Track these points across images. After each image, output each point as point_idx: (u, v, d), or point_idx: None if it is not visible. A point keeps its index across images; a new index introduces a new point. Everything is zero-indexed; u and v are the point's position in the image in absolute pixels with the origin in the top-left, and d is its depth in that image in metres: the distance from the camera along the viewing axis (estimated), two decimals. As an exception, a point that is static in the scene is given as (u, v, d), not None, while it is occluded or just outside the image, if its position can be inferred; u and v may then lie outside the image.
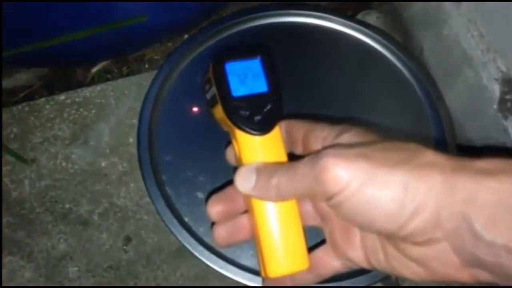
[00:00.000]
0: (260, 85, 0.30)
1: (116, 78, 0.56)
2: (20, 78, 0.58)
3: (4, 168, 0.48)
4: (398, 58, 0.53)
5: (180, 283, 0.45)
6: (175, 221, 0.44)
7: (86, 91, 0.52)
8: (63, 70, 0.59)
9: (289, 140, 0.31)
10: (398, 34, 0.57)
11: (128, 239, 0.46)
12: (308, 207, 0.30)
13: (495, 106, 0.45)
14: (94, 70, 0.59)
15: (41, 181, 0.48)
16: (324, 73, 0.52)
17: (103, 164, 0.49)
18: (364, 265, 0.27)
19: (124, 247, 0.46)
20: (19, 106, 0.51)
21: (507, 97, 0.44)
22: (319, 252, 0.29)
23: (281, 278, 0.29)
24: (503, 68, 0.44)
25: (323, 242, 0.30)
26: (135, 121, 0.50)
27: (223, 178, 0.46)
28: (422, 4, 0.53)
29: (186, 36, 0.58)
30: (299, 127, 0.30)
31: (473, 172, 0.22)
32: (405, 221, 0.22)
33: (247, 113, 0.29)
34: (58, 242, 0.46)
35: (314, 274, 0.29)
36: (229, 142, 0.32)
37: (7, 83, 0.58)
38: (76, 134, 0.50)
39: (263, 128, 0.29)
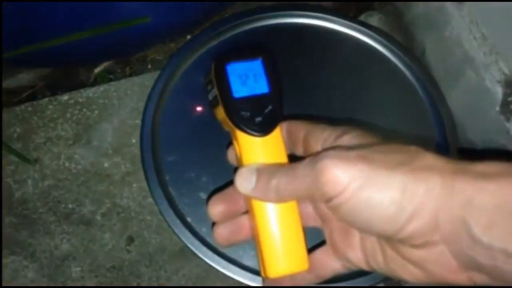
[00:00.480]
0: (261, 86, 0.30)
1: (118, 78, 0.56)
2: (23, 78, 0.59)
3: (7, 168, 0.48)
4: (400, 59, 0.53)
5: (183, 283, 0.45)
6: (178, 222, 0.44)
7: (89, 92, 0.52)
8: (66, 71, 0.59)
9: (290, 141, 0.31)
10: (400, 35, 0.57)
11: (131, 239, 0.46)
12: (309, 208, 0.30)
13: (497, 108, 0.45)
14: (96, 70, 0.59)
15: (44, 181, 0.48)
16: (326, 73, 0.53)
17: (106, 165, 0.49)
18: (364, 266, 0.27)
19: (127, 247, 0.46)
20: (22, 106, 0.51)
21: (510, 99, 0.44)
22: (319, 253, 0.30)
23: (281, 278, 0.29)
24: (506, 70, 0.44)
25: (323, 243, 0.30)
26: (138, 122, 0.50)
27: (225, 178, 0.46)
28: (424, 5, 0.53)
29: (188, 36, 0.59)
30: (300, 128, 0.30)
31: (472, 176, 0.22)
32: (403, 224, 0.22)
33: (248, 114, 0.29)
34: (61, 242, 0.46)
35: (314, 275, 0.30)
36: (230, 143, 0.32)
37: (10, 83, 0.58)
38: (79, 134, 0.50)
39: (263, 129, 0.29)
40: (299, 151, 0.30)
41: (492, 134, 0.47)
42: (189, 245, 0.44)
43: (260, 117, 0.29)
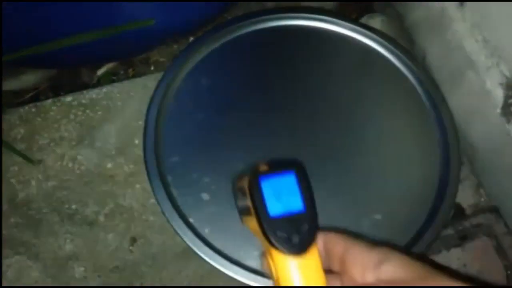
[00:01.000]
0: (296, 203, 0.30)
1: (121, 80, 0.56)
2: (26, 79, 0.59)
3: (11, 169, 0.49)
4: (402, 62, 0.54)
5: (186, 284, 0.45)
6: (180, 222, 0.45)
7: (92, 93, 0.53)
8: (69, 72, 0.60)
9: (326, 255, 0.31)
10: (401, 37, 0.58)
11: (134, 240, 0.47)
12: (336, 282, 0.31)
13: (498, 110, 0.45)
14: (99, 72, 0.59)
15: (48, 182, 0.48)
16: (328, 75, 0.53)
17: (109, 165, 0.49)
18: None
19: (130, 248, 0.46)
20: (26, 107, 0.52)
21: (510, 101, 0.44)
22: None
23: None
24: (506, 73, 0.44)
25: None
26: (141, 123, 0.50)
27: (227, 179, 0.47)
28: (426, 8, 0.53)
29: (191, 38, 0.59)
30: (337, 244, 0.30)
31: None
32: None
33: (285, 234, 0.29)
34: (65, 242, 0.46)
35: None
36: (263, 253, 0.33)
37: (13, 84, 0.58)
38: (82, 136, 0.50)
39: (300, 249, 0.29)
40: (336, 267, 0.30)
41: (493, 136, 0.47)
42: (191, 245, 0.44)
43: (296, 237, 0.29)
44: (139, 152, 0.49)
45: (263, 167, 0.32)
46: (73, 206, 0.48)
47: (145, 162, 0.47)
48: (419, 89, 0.53)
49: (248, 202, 0.32)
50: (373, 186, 0.48)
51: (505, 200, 0.49)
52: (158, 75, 0.52)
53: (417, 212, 0.47)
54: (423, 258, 0.38)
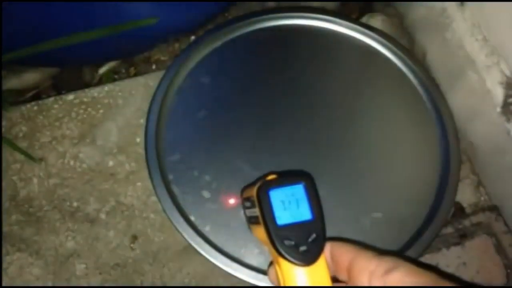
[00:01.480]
0: (304, 213, 0.31)
1: (123, 78, 0.56)
2: (28, 78, 0.59)
3: (13, 166, 0.49)
4: (402, 61, 0.54)
5: (186, 281, 0.45)
6: (181, 220, 0.45)
7: (94, 91, 0.53)
8: (71, 71, 0.60)
9: (333, 264, 0.31)
10: (402, 37, 0.58)
11: (135, 238, 0.47)
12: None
13: (498, 109, 0.45)
14: (101, 70, 0.59)
15: (50, 180, 0.49)
16: (328, 74, 0.53)
17: (110, 163, 0.49)
18: None
19: (131, 245, 0.46)
20: (28, 105, 0.52)
21: (510, 100, 0.44)
22: None
23: None
24: (507, 72, 0.45)
25: None
26: (142, 121, 0.50)
27: (228, 177, 0.47)
28: (426, 7, 0.53)
29: (192, 37, 0.59)
30: (344, 253, 0.30)
31: None
32: None
33: (292, 243, 0.29)
34: (66, 240, 0.46)
35: None
36: (271, 262, 0.33)
37: (15, 82, 0.59)
38: (84, 134, 0.50)
39: (308, 258, 0.29)
40: (343, 276, 0.30)
41: (493, 135, 0.47)
42: (192, 243, 0.44)
43: (304, 246, 0.29)
44: (140, 150, 0.50)
45: (272, 177, 0.33)
46: (75, 204, 0.48)
47: (146, 160, 0.47)
48: (419, 88, 0.53)
49: (256, 211, 0.32)
50: (373, 184, 0.48)
51: (505, 198, 0.49)
52: (160, 74, 0.52)
53: (417, 210, 0.47)
54: (431, 268, 0.38)
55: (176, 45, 0.60)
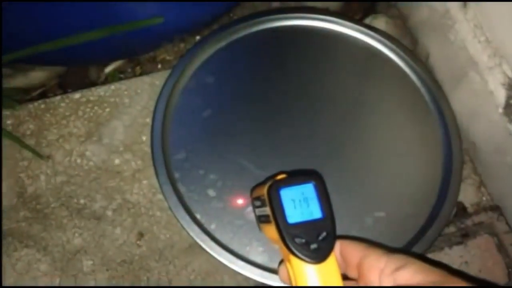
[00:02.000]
0: (314, 211, 0.31)
1: (129, 78, 0.57)
2: (35, 76, 0.60)
3: (20, 164, 0.50)
4: (405, 62, 0.55)
5: (192, 278, 0.46)
6: (187, 217, 0.45)
7: (101, 90, 0.53)
8: (77, 70, 0.60)
9: (343, 261, 0.31)
10: (405, 38, 0.58)
11: (141, 235, 0.47)
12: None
13: (500, 110, 0.46)
14: (107, 70, 0.60)
15: (57, 177, 0.49)
16: (332, 75, 0.54)
17: (116, 161, 0.50)
18: None
19: (137, 242, 0.47)
20: (35, 104, 0.52)
21: (512, 101, 0.45)
22: None
23: None
24: (509, 73, 0.45)
25: None
26: (148, 120, 0.51)
27: (233, 176, 0.48)
28: (429, 9, 0.54)
29: (197, 37, 0.60)
30: (354, 250, 0.30)
31: None
32: None
33: (303, 240, 0.30)
34: (73, 236, 0.47)
35: None
36: (281, 261, 0.33)
37: (21, 81, 0.59)
38: (90, 132, 0.51)
39: (319, 256, 0.30)
40: (353, 274, 0.30)
41: (495, 135, 0.48)
42: (198, 240, 0.45)
43: (315, 244, 0.30)
44: (146, 148, 0.50)
45: (282, 177, 0.33)
46: (81, 201, 0.48)
47: (152, 158, 0.48)
48: (422, 89, 0.53)
49: (267, 210, 0.32)
50: (377, 184, 0.49)
51: (507, 198, 0.50)
52: (165, 73, 0.52)
53: (420, 210, 0.48)
54: (440, 264, 0.39)
55: (182, 45, 0.60)
